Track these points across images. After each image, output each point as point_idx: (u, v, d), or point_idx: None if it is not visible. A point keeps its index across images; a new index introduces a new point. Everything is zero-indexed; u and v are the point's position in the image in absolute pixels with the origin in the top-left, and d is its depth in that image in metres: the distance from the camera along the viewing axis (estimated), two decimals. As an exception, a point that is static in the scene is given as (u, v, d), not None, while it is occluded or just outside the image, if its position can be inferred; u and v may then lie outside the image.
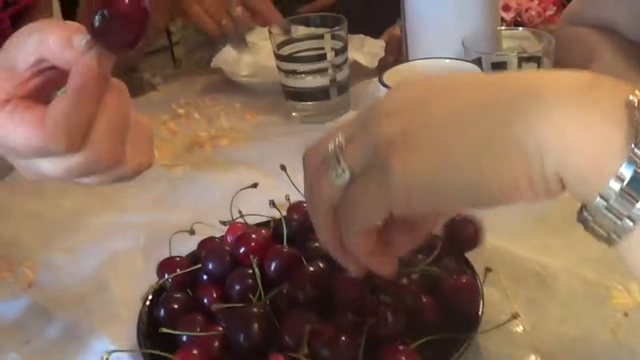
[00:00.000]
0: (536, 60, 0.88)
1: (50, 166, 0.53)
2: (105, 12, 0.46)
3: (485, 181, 0.42)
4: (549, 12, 2.29)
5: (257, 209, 0.72)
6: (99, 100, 0.50)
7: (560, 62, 0.91)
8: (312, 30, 1.08)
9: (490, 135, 0.42)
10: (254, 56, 1.19)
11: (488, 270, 0.62)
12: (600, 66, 0.94)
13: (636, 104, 0.39)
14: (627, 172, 0.38)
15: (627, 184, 0.38)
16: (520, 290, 0.68)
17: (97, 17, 0.47)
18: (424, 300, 0.60)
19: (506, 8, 2.25)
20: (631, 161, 0.38)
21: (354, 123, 0.48)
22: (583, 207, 0.41)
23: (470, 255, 0.65)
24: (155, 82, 1.25)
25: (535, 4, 2.20)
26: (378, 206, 0.46)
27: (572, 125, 0.39)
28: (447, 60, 0.85)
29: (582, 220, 0.41)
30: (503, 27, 1.08)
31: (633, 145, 0.38)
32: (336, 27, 1.03)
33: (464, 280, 0.61)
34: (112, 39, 0.48)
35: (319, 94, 1.03)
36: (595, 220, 0.40)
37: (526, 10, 2.22)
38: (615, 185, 0.38)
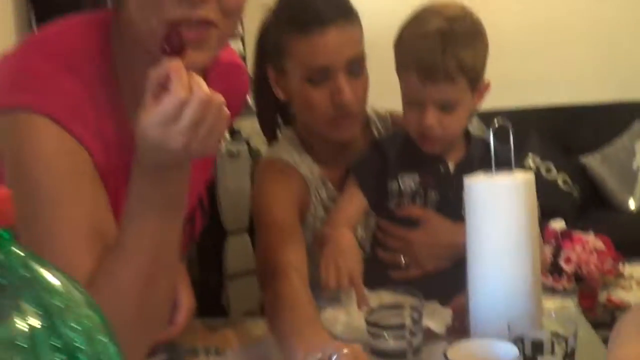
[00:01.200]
0: (564, 340, 1.17)
1: (178, 128, 0.90)
2: None
3: None
4: (607, 266, 2.57)
5: None
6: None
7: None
8: (396, 297, 1.40)
9: None
10: (348, 317, 1.50)
11: None
12: None
13: None
14: None
15: None
16: None
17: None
18: None
19: (567, 261, 2.53)
20: None
21: None
22: None
23: None
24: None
25: (594, 257, 2.47)
26: None
27: None
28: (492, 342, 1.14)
29: None
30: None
31: None
32: (414, 302, 1.34)
33: None
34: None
35: (398, 355, 1.31)
36: None
37: (586, 263, 2.50)
38: None
